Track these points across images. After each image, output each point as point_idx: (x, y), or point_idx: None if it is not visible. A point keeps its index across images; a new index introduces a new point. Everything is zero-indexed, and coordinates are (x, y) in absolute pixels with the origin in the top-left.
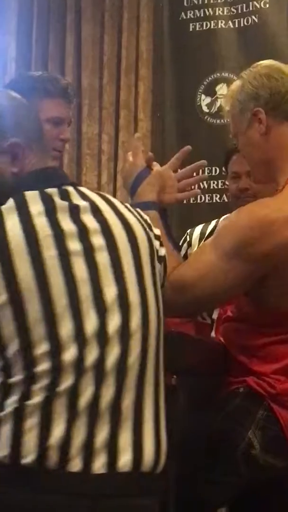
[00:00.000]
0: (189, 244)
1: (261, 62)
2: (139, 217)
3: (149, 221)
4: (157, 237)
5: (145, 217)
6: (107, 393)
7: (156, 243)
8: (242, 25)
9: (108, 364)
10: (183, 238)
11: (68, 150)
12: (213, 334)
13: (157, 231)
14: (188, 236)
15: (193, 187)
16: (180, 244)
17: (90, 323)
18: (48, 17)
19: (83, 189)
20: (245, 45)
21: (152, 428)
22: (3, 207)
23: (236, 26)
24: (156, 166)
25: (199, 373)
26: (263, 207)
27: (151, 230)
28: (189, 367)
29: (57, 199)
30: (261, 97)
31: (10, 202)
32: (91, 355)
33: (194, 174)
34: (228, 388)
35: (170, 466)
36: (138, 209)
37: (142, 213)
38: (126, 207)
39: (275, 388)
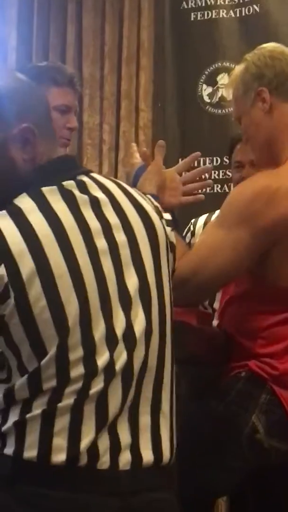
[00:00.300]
0: (193, 234)
1: (265, 45)
2: (152, 204)
3: (160, 207)
4: (168, 223)
5: (156, 203)
6: (130, 395)
7: (168, 229)
8: (244, 14)
9: (135, 367)
10: (187, 228)
11: None
12: (215, 322)
13: (167, 216)
14: (192, 226)
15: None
16: (184, 234)
17: (119, 325)
18: (49, 7)
19: (97, 176)
20: (247, 34)
21: (168, 422)
22: (23, 207)
23: (238, 15)
24: (158, 157)
25: (201, 362)
26: (265, 178)
27: (162, 216)
28: (190, 356)
29: (77, 193)
30: (265, 77)
31: (28, 200)
32: (121, 359)
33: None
34: (230, 373)
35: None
36: (149, 196)
37: (153, 199)
38: (140, 194)
39: (278, 369)
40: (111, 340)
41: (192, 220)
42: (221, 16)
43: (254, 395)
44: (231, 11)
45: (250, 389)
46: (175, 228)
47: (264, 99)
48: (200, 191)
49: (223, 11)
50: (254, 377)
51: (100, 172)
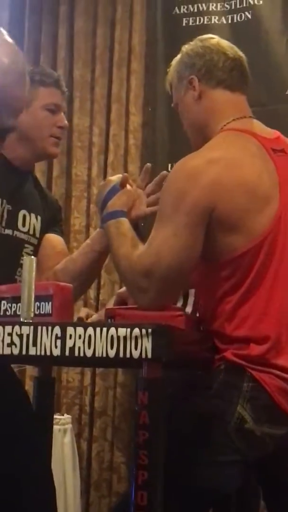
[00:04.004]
0: None
1: (202, 36)
2: None
3: None
4: None
5: None
6: None
7: None
8: (235, 21)
9: None
10: None
11: None
12: None
13: None
14: None
15: None
16: None
17: None
18: (41, 10)
19: None
20: (238, 41)
21: None
22: None
23: (230, 22)
24: (128, 187)
25: (188, 364)
26: (189, 159)
27: None
28: (177, 359)
29: None
30: (195, 65)
31: None
32: None
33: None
34: (212, 368)
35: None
36: None
37: None
38: None
39: (252, 353)
40: None
41: None
42: (213, 22)
43: (236, 385)
44: (223, 18)
45: (230, 379)
46: (141, 240)
47: (194, 87)
48: None
49: (215, 17)
50: (233, 366)
51: (89, 175)
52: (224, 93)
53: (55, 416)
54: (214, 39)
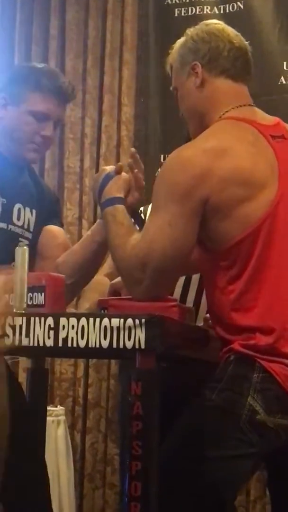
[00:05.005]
0: None
1: (208, 21)
2: None
3: None
4: None
5: None
6: None
7: None
8: (227, 11)
9: None
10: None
11: None
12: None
13: None
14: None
15: None
16: None
17: None
18: (33, 0)
19: None
20: None
21: None
22: None
23: (222, 12)
24: (124, 174)
25: (182, 354)
26: (183, 149)
27: None
28: (169, 348)
29: None
30: (200, 51)
31: None
32: None
33: None
34: (221, 360)
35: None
36: None
37: None
38: None
39: (261, 342)
40: None
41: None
42: (205, 12)
43: (246, 376)
44: (215, 8)
45: (240, 371)
46: (140, 226)
47: (197, 73)
48: None
49: (207, 8)
50: (242, 357)
51: (81, 167)
52: (226, 82)
53: (48, 408)
54: (220, 24)
